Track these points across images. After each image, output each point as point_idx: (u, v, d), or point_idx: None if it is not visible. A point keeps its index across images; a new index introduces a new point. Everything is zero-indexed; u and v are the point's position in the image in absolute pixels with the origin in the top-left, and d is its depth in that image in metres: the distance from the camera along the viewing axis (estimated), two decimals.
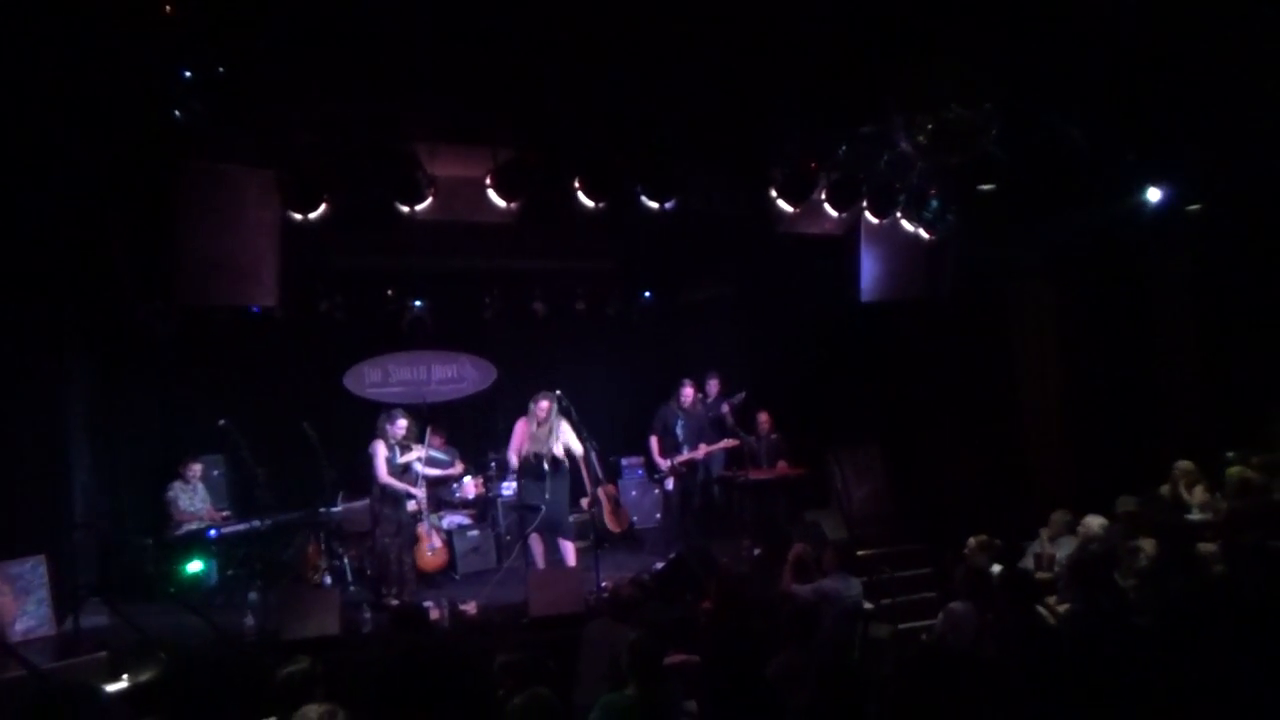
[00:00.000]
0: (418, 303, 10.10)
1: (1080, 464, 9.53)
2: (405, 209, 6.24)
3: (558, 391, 7.78)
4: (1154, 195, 7.80)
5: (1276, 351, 8.48)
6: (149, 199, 6.03)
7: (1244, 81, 6.59)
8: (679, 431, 9.07)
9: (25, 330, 6.97)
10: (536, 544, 7.89)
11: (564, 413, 7.79)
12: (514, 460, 7.82)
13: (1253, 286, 8.74)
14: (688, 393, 9.10)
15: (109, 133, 5.54)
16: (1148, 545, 6.27)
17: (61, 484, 7.44)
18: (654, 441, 9.18)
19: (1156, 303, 9.72)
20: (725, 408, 9.02)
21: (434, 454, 8.38)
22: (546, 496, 7.56)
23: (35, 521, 6.89)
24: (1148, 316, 9.73)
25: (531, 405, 7.70)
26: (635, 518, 10.00)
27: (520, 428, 7.81)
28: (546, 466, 7.59)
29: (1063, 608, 5.65)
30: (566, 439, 7.70)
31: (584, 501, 9.20)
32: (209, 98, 4.59)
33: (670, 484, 9.17)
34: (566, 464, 7.80)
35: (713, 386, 9.49)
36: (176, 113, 4.66)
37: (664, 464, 9.07)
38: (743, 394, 9.17)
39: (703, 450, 9.04)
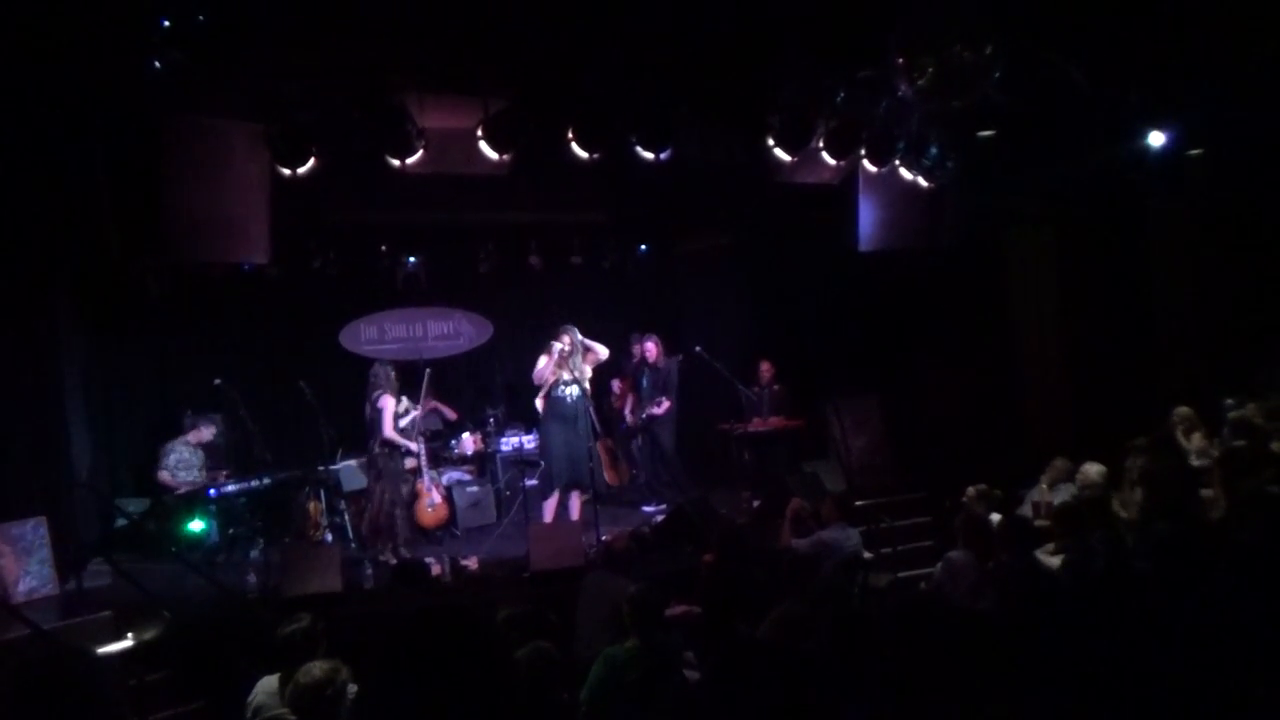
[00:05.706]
0: (411, 259, 10.00)
1: (1079, 412, 9.53)
2: (396, 162, 6.13)
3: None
4: (1157, 140, 7.67)
5: (1276, 298, 8.43)
6: (135, 154, 5.89)
7: (1250, 25, 6.44)
8: (644, 386, 9.07)
9: (18, 289, 6.89)
10: (551, 506, 7.76)
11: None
12: (541, 403, 7.67)
13: (1253, 233, 8.66)
14: (650, 347, 9.08)
15: (91, 85, 5.40)
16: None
17: (59, 444, 7.42)
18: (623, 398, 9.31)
19: (1156, 250, 9.63)
20: (674, 370, 9.04)
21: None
22: (579, 430, 7.48)
23: (34, 482, 6.88)
24: (1147, 263, 9.65)
25: (557, 341, 7.54)
26: (634, 471, 10.02)
27: (545, 361, 7.61)
28: (574, 399, 7.49)
29: (1056, 559, 5.66)
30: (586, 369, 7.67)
31: None
32: (189, 46, 4.46)
33: (639, 441, 9.28)
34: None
35: (650, 349, 9.18)
36: (156, 63, 4.52)
37: (631, 419, 9.15)
38: (678, 356, 9.08)
39: (664, 406, 9.01)
